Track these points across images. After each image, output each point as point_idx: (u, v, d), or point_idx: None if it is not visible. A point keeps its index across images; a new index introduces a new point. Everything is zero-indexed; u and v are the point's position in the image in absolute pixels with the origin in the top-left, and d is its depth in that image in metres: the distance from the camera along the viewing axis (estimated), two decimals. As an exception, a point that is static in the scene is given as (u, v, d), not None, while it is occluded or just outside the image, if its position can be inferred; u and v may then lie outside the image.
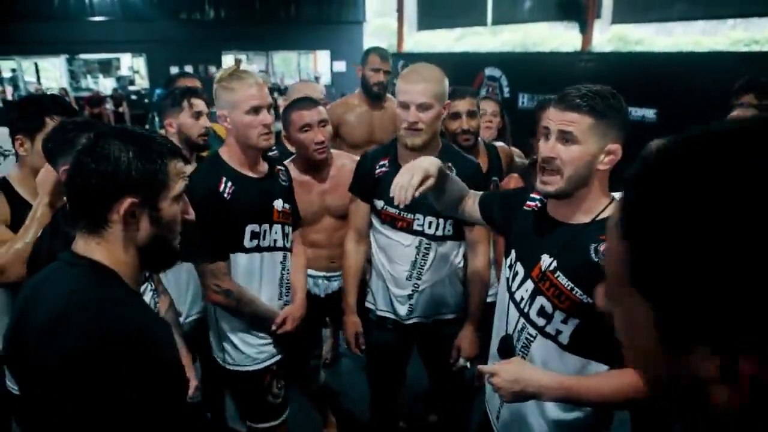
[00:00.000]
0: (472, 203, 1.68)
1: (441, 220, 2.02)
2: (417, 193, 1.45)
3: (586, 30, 6.96)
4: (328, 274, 2.40)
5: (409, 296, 2.10)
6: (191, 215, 1.15)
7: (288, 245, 2.07)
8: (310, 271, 2.40)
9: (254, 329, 2.03)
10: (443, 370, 2.21)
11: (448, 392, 2.36)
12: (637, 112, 5.59)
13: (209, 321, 2.09)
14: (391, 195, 1.46)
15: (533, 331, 1.45)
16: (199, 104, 2.41)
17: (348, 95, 3.51)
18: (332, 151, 2.42)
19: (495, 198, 1.70)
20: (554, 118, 1.35)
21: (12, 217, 1.82)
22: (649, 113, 5.45)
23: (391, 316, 2.16)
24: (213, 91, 1.93)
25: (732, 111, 2.56)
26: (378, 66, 3.15)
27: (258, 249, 1.97)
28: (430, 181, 1.48)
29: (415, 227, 2.03)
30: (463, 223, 2.01)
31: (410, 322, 2.14)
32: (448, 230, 2.04)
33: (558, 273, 1.39)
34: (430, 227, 2.02)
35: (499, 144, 2.70)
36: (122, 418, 0.92)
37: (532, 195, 1.57)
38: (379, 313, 2.19)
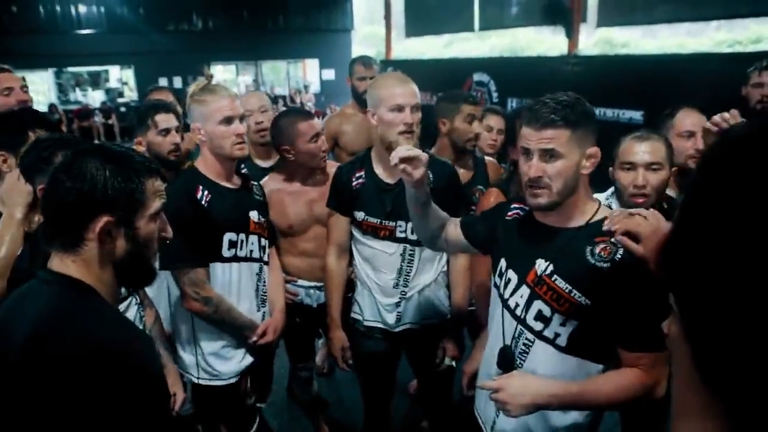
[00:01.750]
0: (453, 228, 1.68)
1: None
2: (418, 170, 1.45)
3: (572, 34, 7.02)
4: (321, 284, 2.39)
5: (397, 304, 2.10)
6: (169, 233, 1.15)
7: (264, 257, 2.09)
8: (303, 282, 2.40)
9: (233, 341, 2.03)
10: (431, 373, 2.22)
11: (437, 394, 2.36)
12: (624, 114, 5.63)
13: (181, 340, 2.06)
14: (392, 162, 1.46)
15: (531, 336, 1.44)
16: (166, 120, 2.34)
17: (343, 106, 3.56)
18: None
19: (475, 219, 1.71)
20: (531, 137, 1.35)
21: None
22: (636, 115, 5.49)
23: (380, 325, 2.16)
24: (186, 106, 1.94)
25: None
26: (363, 74, 3.21)
27: (236, 259, 1.97)
28: (423, 169, 1.48)
29: (398, 234, 2.03)
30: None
31: (399, 329, 2.14)
32: None
33: (555, 276, 1.39)
34: (413, 233, 2.01)
35: (488, 159, 2.73)
36: (106, 429, 0.90)
37: (512, 205, 1.58)
38: (366, 323, 2.18)
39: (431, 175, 1.99)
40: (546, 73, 6.34)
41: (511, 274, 1.49)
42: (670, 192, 2.00)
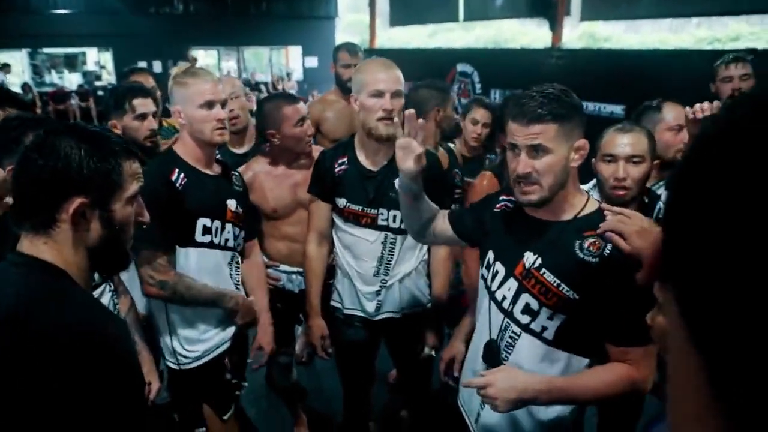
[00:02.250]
0: (442, 221, 1.67)
1: None
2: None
3: (556, 27, 7.03)
4: (302, 270, 2.37)
5: (377, 292, 2.10)
6: (146, 218, 1.11)
7: (237, 248, 2.05)
8: (285, 267, 2.40)
9: (208, 322, 1.99)
10: (411, 362, 2.22)
11: (416, 384, 2.37)
12: (605, 108, 5.68)
13: (156, 325, 2.02)
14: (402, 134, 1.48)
15: (517, 329, 1.44)
16: (143, 105, 2.28)
17: (326, 93, 3.55)
18: None
19: (463, 211, 1.71)
20: (519, 133, 1.34)
21: None
22: (617, 109, 5.54)
23: (359, 313, 2.15)
24: (168, 88, 1.89)
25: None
26: (348, 62, 3.20)
27: (211, 245, 1.94)
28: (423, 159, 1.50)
29: (380, 222, 2.02)
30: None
31: (379, 318, 2.13)
32: None
33: (543, 270, 1.39)
34: (394, 221, 2.01)
35: (452, 146, 2.84)
36: (76, 418, 0.88)
37: (501, 197, 1.57)
38: (346, 311, 2.18)
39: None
40: (530, 66, 6.35)
41: (499, 267, 1.48)
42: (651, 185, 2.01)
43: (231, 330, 2.05)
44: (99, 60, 16.20)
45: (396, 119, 1.90)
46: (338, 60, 3.25)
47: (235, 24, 15.66)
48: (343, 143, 2.15)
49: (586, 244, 1.35)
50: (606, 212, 1.34)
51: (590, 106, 5.68)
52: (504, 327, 1.47)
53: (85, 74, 15.75)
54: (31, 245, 0.99)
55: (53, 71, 15.97)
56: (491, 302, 1.50)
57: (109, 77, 15.72)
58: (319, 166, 2.11)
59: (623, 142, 1.81)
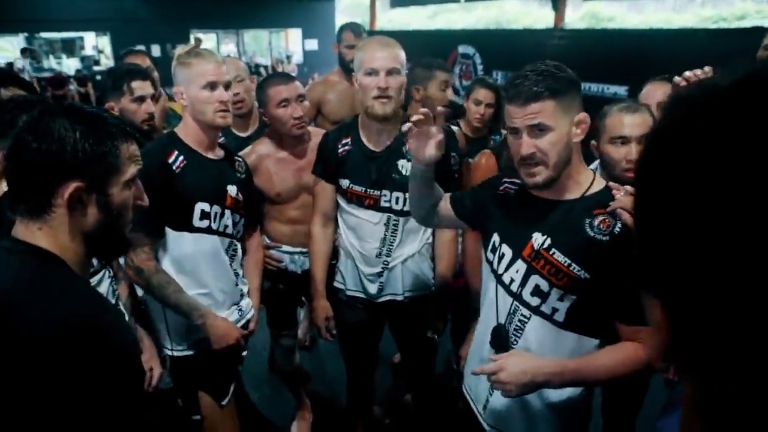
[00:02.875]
0: (445, 204, 1.65)
1: (407, 195, 1.99)
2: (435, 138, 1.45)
3: (558, 7, 6.93)
4: (305, 250, 2.33)
5: (379, 274, 2.09)
6: (145, 202, 1.09)
7: (237, 235, 2.01)
8: (287, 248, 2.38)
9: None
10: (415, 346, 2.21)
11: (420, 367, 2.36)
12: (608, 89, 5.62)
13: (152, 312, 1.99)
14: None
15: (527, 312, 1.42)
16: (142, 87, 2.25)
17: (327, 73, 3.48)
18: (309, 128, 2.38)
19: (464, 193, 1.68)
20: (517, 115, 1.31)
21: None
22: (621, 90, 5.48)
23: (362, 295, 2.14)
24: (172, 69, 1.85)
25: None
26: (352, 42, 3.14)
27: (209, 230, 1.90)
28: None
29: (383, 204, 2.01)
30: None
31: (381, 300, 2.12)
32: None
33: (553, 250, 1.37)
34: (397, 203, 2.00)
35: (455, 128, 2.74)
36: (70, 409, 0.86)
37: (503, 179, 1.55)
38: (348, 293, 2.17)
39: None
40: (532, 46, 6.28)
41: (506, 249, 1.46)
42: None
43: (224, 314, 1.99)
44: (97, 44, 16.06)
45: (393, 98, 1.87)
46: (342, 40, 3.20)
47: (234, 7, 15.47)
48: (346, 124, 2.13)
49: (596, 222, 1.33)
50: (614, 191, 1.32)
51: (593, 87, 5.61)
52: (513, 311, 1.44)
53: (83, 59, 15.62)
54: (26, 231, 0.97)
55: (51, 56, 15.85)
56: (498, 286, 1.48)
57: (107, 62, 15.59)
58: (323, 146, 2.10)
59: (633, 122, 1.77)
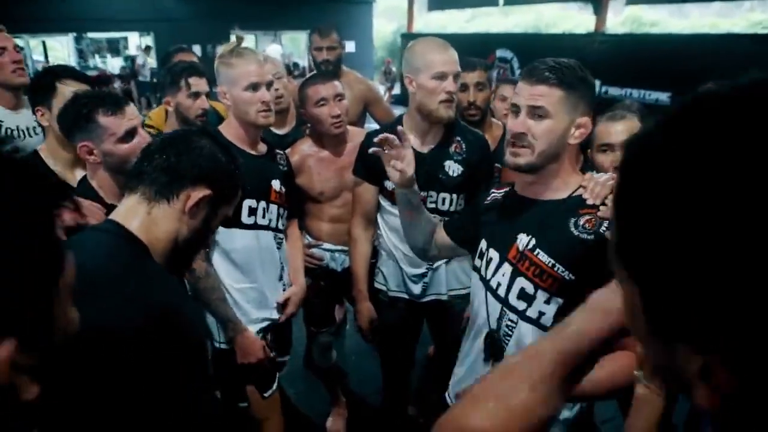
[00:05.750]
0: (441, 233, 1.63)
1: (454, 196, 2.01)
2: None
3: (600, 11, 6.83)
4: (346, 248, 2.35)
5: (423, 275, 2.10)
6: (213, 229, 1.18)
7: (282, 228, 2.08)
8: (328, 245, 2.41)
9: (250, 303, 2.01)
10: (452, 343, 2.22)
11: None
12: (650, 95, 5.52)
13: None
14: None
15: (514, 317, 1.38)
16: (198, 84, 2.35)
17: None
18: (349, 127, 2.39)
19: (457, 220, 1.67)
20: (523, 92, 1.31)
21: None
22: (663, 96, 5.38)
23: (404, 296, 2.16)
24: (215, 68, 1.92)
25: None
26: (319, 44, 3.11)
27: (255, 226, 1.96)
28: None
29: (429, 205, 2.00)
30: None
31: (424, 300, 2.14)
32: (461, 205, 2.04)
33: (537, 250, 1.34)
34: (443, 204, 2.01)
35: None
36: (143, 390, 0.90)
37: (491, 191, 1.55)
38: (391, 294, 2.19)
39: (464, 146, 1.98)
40: (572, 51, 6.19)
41: (493, 253, 1.43)
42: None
43: (267, 312, 2.06)
44: (140, 44, 16.52)
45: (454, 101, 1.89)
46: (311, 42, 3.18)
47: (273, 8, 15.71)
48: (390, 124, 2.14)
49: (581, 222, 1.30)
50: (590, 190, 1.32)
51: (634, 93, 5.52)
52: (500, 315, 1.41)
53: (126, 59, 16.11)
54: (128, 213, 1.03)
55: (97, 56, 16.39)
56: (487, 292, 1.44)
57: (150, 61, 16.05)
58: (366, 147, 2.11)
59: (618, 129, 1.80)
